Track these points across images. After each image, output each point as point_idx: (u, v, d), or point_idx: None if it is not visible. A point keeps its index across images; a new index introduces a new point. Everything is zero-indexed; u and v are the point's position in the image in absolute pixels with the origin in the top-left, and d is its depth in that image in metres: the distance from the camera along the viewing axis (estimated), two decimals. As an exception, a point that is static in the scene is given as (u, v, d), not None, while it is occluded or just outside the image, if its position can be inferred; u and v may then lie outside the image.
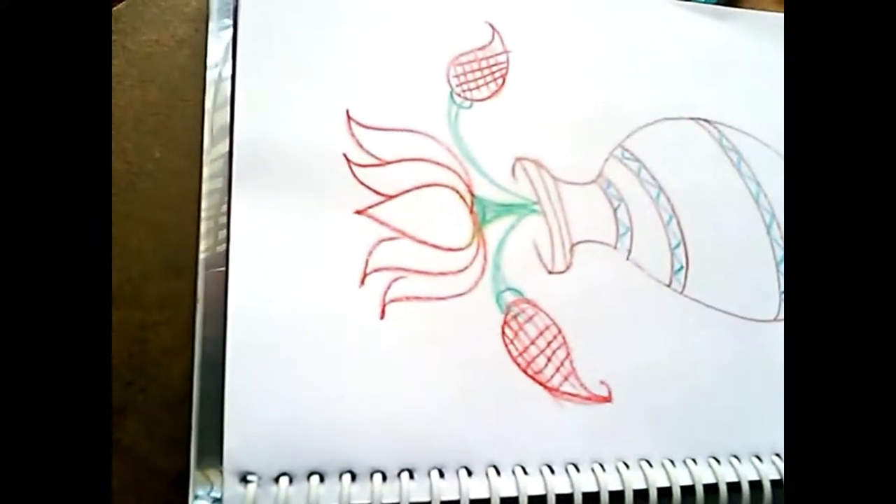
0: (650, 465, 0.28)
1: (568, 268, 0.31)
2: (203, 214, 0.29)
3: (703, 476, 0.28)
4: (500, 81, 0.34)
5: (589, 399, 0.29)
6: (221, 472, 0.25)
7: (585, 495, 0.26)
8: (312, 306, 0.28)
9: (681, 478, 0.27)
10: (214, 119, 0.31)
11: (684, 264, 0.32)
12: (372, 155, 0.31)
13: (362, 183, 0.30)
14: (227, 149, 0.30)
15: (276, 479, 0.25)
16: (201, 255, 0.28)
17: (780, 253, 0.34)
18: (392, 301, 0.28)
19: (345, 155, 0.31)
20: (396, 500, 0.25)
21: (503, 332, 0.29)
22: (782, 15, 0.32)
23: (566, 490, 0.26)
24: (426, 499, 0.25)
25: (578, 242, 0.31)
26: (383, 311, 0.28)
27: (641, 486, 0.27)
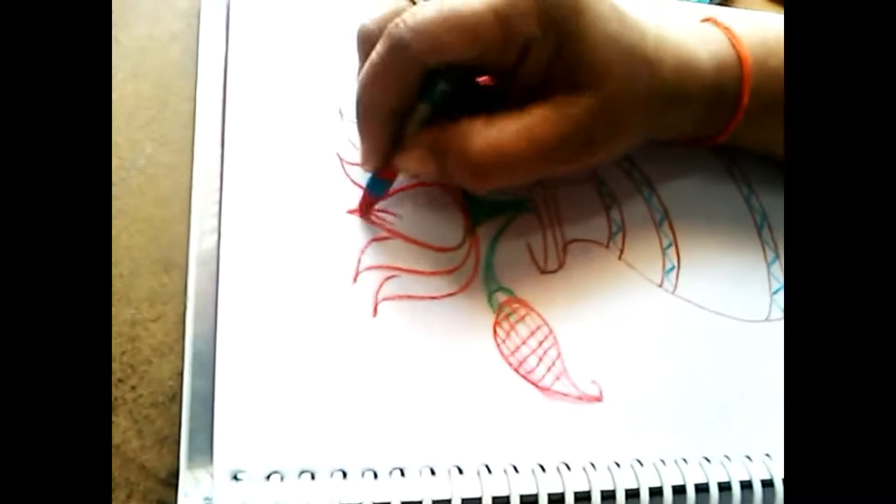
0: (641, 464, 0.28)
1: (560, 267, 0.31)
2: (194, 210, 0.29)
3: (694, 476, 0.28)
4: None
5: (580, 399, 0.29)
6: (212, 470, 0.24)
7: (577, 495, 0.26)
8: (304, 304, 0.27)
9: (672, 478, 0.27)
10: (207, 115, 0.30)
11: (676, 264, 0.32)
12: (365, 153, 0.31)
13: (355, 182, 0.30)
14: (219, 145, 0.30)
15: (267, 478, 0.25)
16: (192, 252, 0.28)
17: (771, 254, 0.34)
18: (384, 299, 0.28)
19: (337, 153, 0.31)
20: (388, 500, 0.25)
21: (495, 332, 0.29)
22: (774, 13, 0.32)
23: (557, 489, 0.26)
24: (418, 498, 0.25)
25: (571, 241, 0.32)
26: (375, 309, 0.28)
27: (633, 485, 0.27)
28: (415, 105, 0.27)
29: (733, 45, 0.30)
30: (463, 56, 0.26)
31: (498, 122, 0.27)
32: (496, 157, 0.26)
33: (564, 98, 0.27)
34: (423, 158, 0.28)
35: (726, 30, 0.31)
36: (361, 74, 0.27)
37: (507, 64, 0.27)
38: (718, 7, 0.39)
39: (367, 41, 0.28)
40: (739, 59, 0.30)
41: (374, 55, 0.27)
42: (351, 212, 0.30)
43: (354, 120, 0.28)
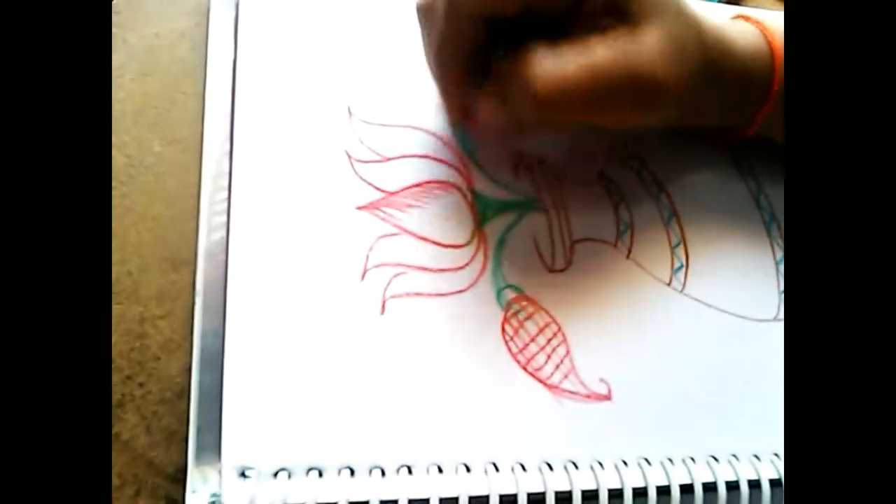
0: (649, 463, 0.28)
1: (568, 266, 0.31)
2: (203, 208, 0.29)
3: (702, 475, 0.28)
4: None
5: (588, 397, 0.29)
6: (220, 467, 0.24)
7: (584, 493, 0.26)
8: (313, 301, 0.27)
9: (679, 477, 0.27)
10: (215, 113, 0.31)
11: (684, 263, 0.32)
12: (373, 151, 0.31)
13: (363, 179, 0.30)
14: (227, 143, 0.30)
15: (275, 475, 0.25)
16: (201, 249, 0.28)
17: (779, 253, 0.34)
18: (392, 297, 0.28)
19: (346, 151, 0.31)
20: (395, 497, 0.25)
21: (503, 330, 0.29)
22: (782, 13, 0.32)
23: (565, 488, 0.26)
24: (425, 496, 0.25)
25: (579, 240, 0.31)
26: (384, 307, 0.28)
27: (640, 484, 0.27)
28: (485, 57, 0.28)
29: (764, 36, 0.31)
30: (520, 3, 0.26)
31: (559, 51, 0.26)
32: (557, 87, 0.26)
33: (624, 32, 0.26)
34: (493, 101, 0.28)
35: (758, 23, 0.31)
36: (427, 35, 0.29)
37: (564, 7, 0.27)
38: (724, 6, 0.39)
39: (428, 10, 0.28)
40: (771, 49, 0.30)
41: (435, 8, 0.27)
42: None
43: (434, 75, 0.30)
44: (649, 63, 0.26)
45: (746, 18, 0.32)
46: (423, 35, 0.30)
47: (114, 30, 0.33)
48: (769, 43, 0.31)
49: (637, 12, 0.26)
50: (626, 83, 0.26)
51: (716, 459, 0.28)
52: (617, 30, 0.26)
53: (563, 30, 0.27)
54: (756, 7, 0.40)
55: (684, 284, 0.32)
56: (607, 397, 0.29)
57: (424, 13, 0.29)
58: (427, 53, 0.30)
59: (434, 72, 0.30)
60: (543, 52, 0.26)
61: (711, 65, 0.29)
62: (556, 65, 0.26)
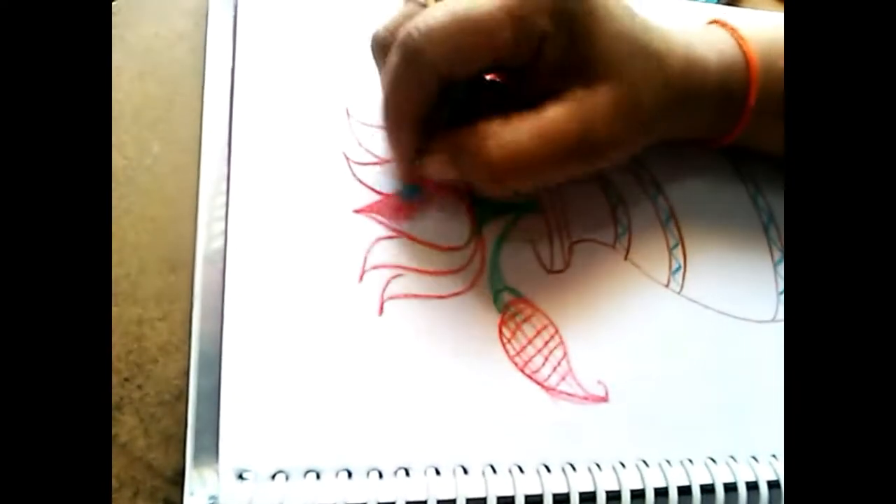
0: (647, 465, 0.28)
1: (566, 267, 0.31)
2: (201, 209, 0.29)
3: (700, 477, 0.28)
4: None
5: (586, 399, 0.29)
6: (218, 469, 0.25)
7: (582, 495, 0.26)
8: (310, 303, 0.27)
9: (677, 478, 0.27)
10: (213, 114, 0.31)
11: (682, 264, 0.32)
12: (371, 153, 0.31)
13: (361, 181, 0.30)
14: (226, 144, 0.30)
15: (273, 477, 0.25)
16: (199, 251, 0.28)
17: (778, 254, 0.34)
18: (390, 298, 0.28)
19: (344, 153, 0.31)
20: (393, 499, 0.25)
21: (500, 332, 0.29)
22: (782, 13, 0.32)
23: (562, 490, 0.26)
24: (422, 497, 0.25)
25: (577, 242, 0.31)
26: (381, 308, 0.28)
27: (638, 486, 0.27)
28: (435, 110, 0.27)
29: (740, 47, 0.30)
30: (480, 61, 0.26)
31: (513, 123, 0.26)
32: (512, 159, 0.26)
33: (579, 95, 0.26)
34: (443, 163, 0.28)
35: (733, 31, 0.31)
36: (382, 86, 0.27)
37: (522, 62, 0.27)
38: (726, 7, 0.39)
39: (381, 49, 0.28)
40: (747, 61, 0.30)
41: (389, 65, 0.26)
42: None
43: (383, 131, 0.29)
44: (598, 123, 0.26)
45: (722, 25, 0.32)
46: (378, 69, 0.29)
47: (113, 29, 0.33)
48: (745, 54, 0.30)
49: (593, 75, 0.26)
50: (575, 144, 0.26)
51: (713, 461, 0.28)
52: (574, 91, 0.27)
53: (517, 95, 0.28)
54: (754, 7, 0.40)
55: (682, 286, 0.32)
56: (604, 399, 0.29)
57: (378, 48, 0.28)
58: (382, 96, 0.28)
59: (385, 115, 0.28)
60: (498, 127, 0.26)
61: (679, 97, 0.29)
62: (510, 137, 0.26)
